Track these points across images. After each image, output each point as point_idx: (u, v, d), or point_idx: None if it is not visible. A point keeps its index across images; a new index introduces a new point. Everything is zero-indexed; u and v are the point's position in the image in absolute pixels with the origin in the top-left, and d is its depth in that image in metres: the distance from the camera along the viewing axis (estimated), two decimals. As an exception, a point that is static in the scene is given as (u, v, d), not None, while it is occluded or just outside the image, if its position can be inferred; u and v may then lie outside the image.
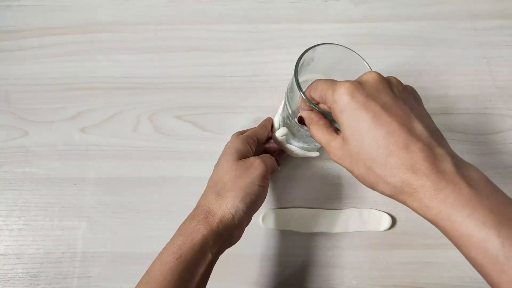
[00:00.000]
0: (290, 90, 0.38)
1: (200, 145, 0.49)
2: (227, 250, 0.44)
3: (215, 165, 0.40)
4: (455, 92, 0.49)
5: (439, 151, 0.28)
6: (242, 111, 0.49)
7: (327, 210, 0.46)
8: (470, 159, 0.47)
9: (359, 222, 0.46)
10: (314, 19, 0.51)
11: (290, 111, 0.39)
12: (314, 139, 0.34)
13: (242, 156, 0.39)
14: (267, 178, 0.38)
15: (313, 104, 0.33)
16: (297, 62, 0.35)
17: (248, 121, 0.49)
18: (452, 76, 0.49)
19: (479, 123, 0.48)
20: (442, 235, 0.46)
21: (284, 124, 0.44)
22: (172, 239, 0.35)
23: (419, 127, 0.29)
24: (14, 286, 0.46)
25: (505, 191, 0.47)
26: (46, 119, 0.50)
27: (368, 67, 0.35)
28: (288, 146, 0.45)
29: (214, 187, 0.37)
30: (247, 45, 0.51)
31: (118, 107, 0.50)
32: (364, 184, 0.31)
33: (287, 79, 0.50)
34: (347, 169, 0.31)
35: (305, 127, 0.36)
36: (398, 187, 0.29)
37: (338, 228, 0.46)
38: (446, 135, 0.47)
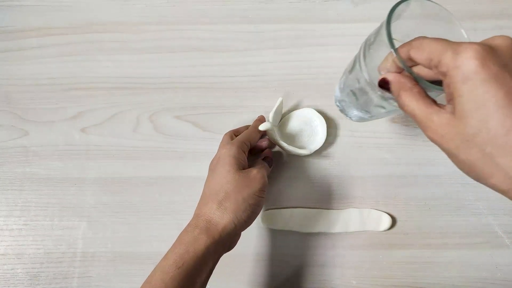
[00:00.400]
0: (369, 46, 0.31)
1: (200, 145, 0.49)
2: (227, 251, 0.45)
3: (212, 172, 0.40)
4: (455, 92, 0.49)
5: None
6: (242, 111, 0.49)
7: (327, 210, 0.46)
8: (470, 159, 0.47)
9: (359, 222, 0.46)
10: (314, 19, 0.51)
11: (364, 73, 0.32)
12: (402, 109, 0.28)
13: (240, 164, 0.39)
14: (266, 189, 0.39)
15: (406, 67, 0.27)
16: (391, 10, 0.28)
17: (248, 121, 0.49)
18: (452, 76, 0.49)
19: (479, 123, 0.48)
20: (443, 235, 0.46)
21: (346, 86, 0.37)
22: (172, 247, 0.35)
23: None
24: (14, 286, 0.46)
25: (505, 191, 0.47)
26: (46, 119, 0.50)
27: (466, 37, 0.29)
28: (281, 142, 0.45)
29: (215, 196, 0.37)
30: (247, 45, 0.51)
31: (118, 107, 0.50)
32: (469, 174, 0.25)
33: (287, 79, 0.50)
34: (447, 152, 0.26)
35: (387, 94, 0.30)
36: None
37: (338, 228, 0.46)
38: (446, 135, 0.48)
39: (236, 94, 0.50)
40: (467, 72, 0.23)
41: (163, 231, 0.47)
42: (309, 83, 0.50)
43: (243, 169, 0.39)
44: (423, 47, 0.27)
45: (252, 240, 0.47)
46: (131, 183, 0.48)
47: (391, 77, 0.28)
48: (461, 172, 0.47)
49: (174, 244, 0.35)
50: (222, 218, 0.36)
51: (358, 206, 0.47)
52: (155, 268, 0.34)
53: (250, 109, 0.49)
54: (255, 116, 0.48)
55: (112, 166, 0.48)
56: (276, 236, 0.47)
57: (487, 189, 0.47)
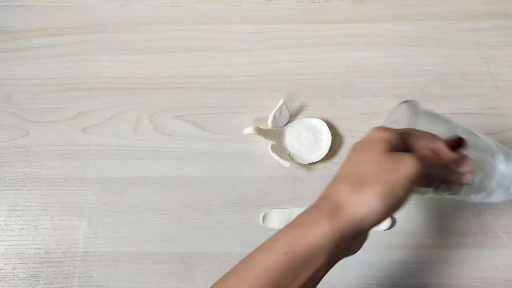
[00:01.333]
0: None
1: (200, 145, 0.49)
2: (227, 251, 0.45)
3: (354, 151, 0.32)
4: (455, 92, 0.49)
5: None
6: (242, 111, 0.49)
7: None
8: (470, 159, 0.47)
9: None
10: (314, 19, 0.51)
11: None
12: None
13: (393, 149, 0.30)
14: (419, 182, 0.29)
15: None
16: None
17: (248, 121, 0.49)
18: (452, 77, 0.49)
19: (479, 123, 0.48)
20: (442, 235, 0.46)
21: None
22: (286, 228, 0.30)
23: None
24: (14, 285, 0.46)
25: (505, 191, 0.47)
26: (46, 119, 0.50)
27: None
28: (272, 145, 0.45)
29: (349, 176, 0.30)
30: (247, 45, 0.51)
31: (118, 107, 0.50)
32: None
33: (287, 79, 0.50)
34: None
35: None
36: None
37: None
38: (447, 135, 0.47)
39: (236, 94, 0.50)
40: None
41: (163, 231, 0.47)
42: (309, 83, 0.50)
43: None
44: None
45: (252, 240, 0.47)
46: (132, 183, 0.48)
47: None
48: (461, 172, 0.47)
49: (288, 224, 0.30)
50: (353, 203, 0.28)
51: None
52: (261, 245, 0.29)
53: (250, 109, 0.49)
54: (255, 116, 0.48)
55: (112, 166, 0.48)
56: (276, 236, 0.47)
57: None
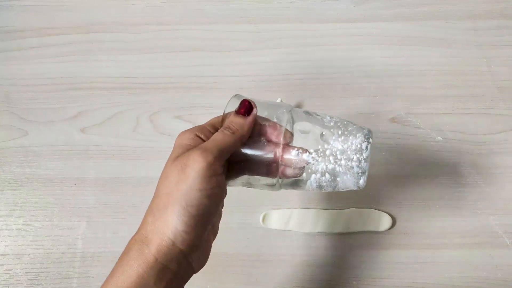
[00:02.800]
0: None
1: (200, 145, 0.48)
2: (227, 251, 0.44)
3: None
4: (455, 92, 0.49)
5: None
6: (242, 111, 0.49)
7: (327, 210, 0.46)
8: (471, 159, 0.47)
9: (359, 222, 0.46)
10: (314, 19, 0.51)
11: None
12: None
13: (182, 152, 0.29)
14: (215, 174, 0.27)
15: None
16: None
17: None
18: (452, 76, 0.49)
19: (479, 123, 0.48)
20: (443, 235, 0.46)
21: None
22: (110, 273, 0.28)
23: None
24: (14, 286, 0.46)
25: (506, 192, 0.47)
26: (46, 119, 0.50)
27: None
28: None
29: (150, 204, 0.29)
30: (247, 45, 0.51)
31: (118, 107, 0.50)
32: None
33: (287, 78, 0.50)
34: None
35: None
36: None
37: (338, 228, 0.46)
38: (447, 135, 0.48)
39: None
40: None
41: (163, 231, 0.47)
42: (309, 83, 0.50)
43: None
44: None
45: (252, 240, 0.47)
46: (131, 183, 0.48)
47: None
48: (461, 173, 0.48)
49: (112, 270, 0.28)
50: (155, 233, 0.27)
51: (358, 206, 0.47)
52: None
53: (250, 109, 0.49)
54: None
55: (112, 166, 0.48)
56: (276, 236, 0.46)
57: (488, 189, 0.48)
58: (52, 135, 0.49)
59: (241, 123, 0.30)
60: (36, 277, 0.46)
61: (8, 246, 0.47)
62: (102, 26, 0.52)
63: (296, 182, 0.33)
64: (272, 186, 0.33)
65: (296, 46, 0.50)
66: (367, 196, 0.47)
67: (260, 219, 0.46)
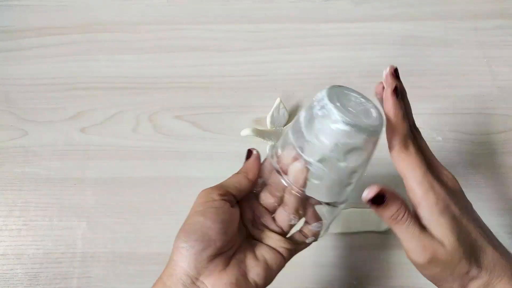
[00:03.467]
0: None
1: (200, 145, 0.49)
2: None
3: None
4: (456, 92, 0.49)
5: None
6: (242, 111, 0.49)
7: (329, 208, 0.46)
8: (472, 159, 0.47)
9: (360, 222, 0.46)
10: (314, 19, 0.51)
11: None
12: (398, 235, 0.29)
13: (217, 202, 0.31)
14: (212, 199, 0.30)
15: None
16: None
17: (248, 121, 0.49)
18: (453, 76, 0.49)
19: (480, 123, 0.48)
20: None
21: None
22: None
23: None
24: (13, 286, 0.46)
25: (506, 192, 0.47)
26: (46, 119, 0.50)
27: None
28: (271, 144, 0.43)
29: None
30: (247, 45, 0.51)
31: (118, 107, 0.50)
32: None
33: (287, 78, 0.50)
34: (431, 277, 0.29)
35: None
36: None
37: (338, 228, 0.46)
38: (447, 135, 0.48)
39: (236, 94, 0.50)
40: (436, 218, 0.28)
41: (163, 231, 0.47)
42: (309, 83, 0.49)
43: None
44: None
45: (252, 240, 0.46)
46: (131, 183, 0.48)
47: (388, 190, 0.28)
48: (461, 173, 0.47)
49: None
50: (170, 261, 0.29)
51: (358, 206, 0.47)
52: None
53: (250, 109, 0.49)
54: (255, 116, 0.48)
55: (111, 166, 0.48)
56: (276, 236, 0.46)
57: (489, 189, 0.47)
58: (52, 135, 0.49)
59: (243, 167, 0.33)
60: (36, 277, 0.46)
61: (8, 246, 0.47)
62: (102, 26, 0.52)
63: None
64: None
65: (296, 46, 0.50)
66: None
67: None
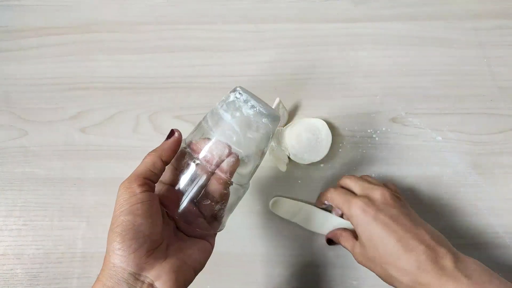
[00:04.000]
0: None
1: (200, 145, 0.48)
2: (227, 250, 0.44)
3: None
4: (456, 92, 0.49)
5: (440, 250, 0.34)
6: (242, 111, 0.49)
7: (335, 216, 0.45)
8: (472, 159, 0.47)
9: (330, 224, 0.46)
10: (314, 19, 0.51)
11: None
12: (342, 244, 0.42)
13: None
14: (134, 194, 0.30)
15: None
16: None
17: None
18: (453, 76, 0.49)
19: (480, 123, 0.48)
20: (443, 235, 0.46)
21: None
22: None
23: (421, 232, 0.35)
24: (13, 286, 0.46)
25: (506, 192, 0.47)
26: (46, 119, 0.50)
27: None
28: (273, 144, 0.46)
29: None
30: (247, 45, 0.51)
31: (118, 107, 0.50)
32: (385, 281, 0.37)
33: (287, 78, 0.50)
34: (369, 269, 0.38)
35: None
36: (410, 285, 0.34)
37: (313, 228, 0.46)
38: (447, 135, 0.48)
39: (236, 94, 0.49)
40: (356, 219, 0.38)
41: (163, 231, 0.47)
42: (309, 83, 0.49)
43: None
44: (332, 199, 0.41)
45: (253, 240, 0.46)
46: (131, 183, 0.48)
47: (333, 234, 0.44)
48: (461, 173, 0.47)
49: None
50: (104, 264, 0.30)
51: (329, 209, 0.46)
52: None
53: (250, 109, 0.49)
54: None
55: (111, 166, 0.48)
56: (276, 236, 0.46)
57: (488, 189, 0.47)
58: (51, 135, 0.49)
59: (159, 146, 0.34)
60: (36, 277, 0.46)
61: (8, 246, 0.47)
62: (101, 26, 0.52)
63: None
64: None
65: (296, 46, 0.50)
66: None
67: (270, 204, 0.46)
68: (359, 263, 0.39)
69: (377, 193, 0.38)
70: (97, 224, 0.47)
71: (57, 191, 0.48)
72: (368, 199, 0.38)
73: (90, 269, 0.46)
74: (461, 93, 0.49)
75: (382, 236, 0.35)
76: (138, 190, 0.30)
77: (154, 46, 0.51)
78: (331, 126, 0.48)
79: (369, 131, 0.48)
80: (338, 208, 0.40)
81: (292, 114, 0.49)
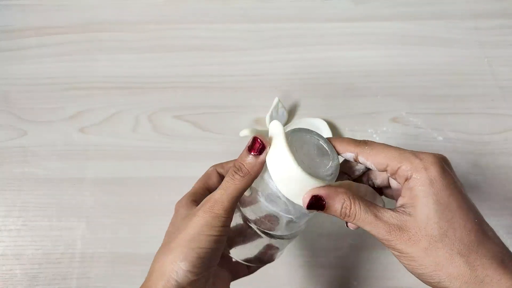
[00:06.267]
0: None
1: (200, 145, 0.48)
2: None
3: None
4: (457, 91, 0.49)
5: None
6: (242, 111, 0.49)
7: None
8: (473, 159, 0.47)
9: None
10: (314, 18, 0.51)
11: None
12: (357, 223, 0.26)
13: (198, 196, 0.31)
14: (225, 225, 0.28)
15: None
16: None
17: (248, 121, 0.48)
18: (454, 76, 0.49)
19: (481, 123, 0.48)
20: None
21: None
22: None
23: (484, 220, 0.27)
24: (13, 286, 0.46)
25: (507, 192, 0.47)
26: (45, 119, 0.50)
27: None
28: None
29: (163, 243, 0.30)
30: (247, 45, 0.51)
31: (117, 107, 0.50)
32: (430, 277, 0.25)
33: (288, 78, 0.50)
34: (409, 256, 0.25)
35: (309, 213, 0.29)
36: (480, 277, 0.24)
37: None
38: (448, 135, 0.47)
39: (236, 93, 0.49)
40: (432, 176, 0.25)
41: (163, 232, 0.46)
42: (309, 82, 0.49)
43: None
44: (377, 152, 0.27)
45: (252, 240, 0.46)
46: (130, 183, 0.48)
47: (325, 191, 0.26)
48: (462, 173, 0.47)
49: None
50: (160, 271, 0.28)
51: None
52: None
53: (250, 109, 0.49)
54: (255, 116, 0.48)
55: (111, 166, 0.48)
56: (276, 236, 0.46)
57: (489, 190, 0.47)
58: (51, 135, 0.49)
59: (252, 163, 0.28)
60: (35, 277, 0.46)
61: (7, 246, 0.47)
62: (100, 25, 0.52)
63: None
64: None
65: (296, 45, 0.50)
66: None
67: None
68: (396, 245, 0.26)
69: (437, 155, 0.27)
70: (96, 224, 0.47)
71: (56, 191, 0.48)
72: (444, 157, 0.27)
73: (90, 269, 0.46)
74: (462, 93, 0.49)
75: (463, 208, 0.25)
76: (228, 222, 0.28)
77: (154, 46, 0.51)
78: (331, 126, 0.48)
79: (369, 131, 0.48)
80: (385, 167, 0.27)
81: (292, 114, 0.49)
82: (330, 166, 0.27)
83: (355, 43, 0.50)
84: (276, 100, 0.45)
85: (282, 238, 0.31)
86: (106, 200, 0.47)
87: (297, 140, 0.27)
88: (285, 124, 0.48)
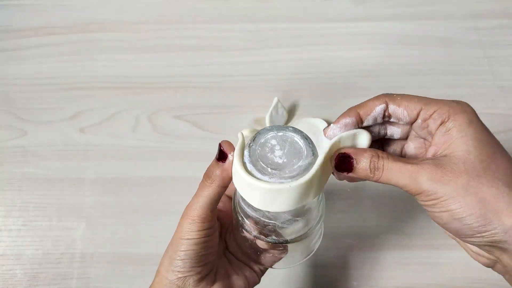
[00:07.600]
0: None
1: (200, 145, 0.48)
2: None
3: None
4: (457, 91, 0.49)
5: None
6: (242, 111, 0.49)
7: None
8: (472, 159, 0.47)
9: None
10: (314, 18, 0.51)
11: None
12: (389, 182, 0.25)
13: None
14: (196, 229, 0.29)
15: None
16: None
17: (248, 121, 0.48)
18: (453, 76, 0.49)
19: (480, 123, 0.48)
20: (444, 235, 0.46)
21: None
22: None
23: None
24: (13, 286, 0.46)
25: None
26: (44, 119, 0.50)
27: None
28: None
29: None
30: (247, 45, 0.51)
31: (117, 107, 0.50)
32: (472, 217, 0.23)
33: (287, 78, 0.50)
34: (446, 197, 0.23)
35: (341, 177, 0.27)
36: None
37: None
38: (447, 135, 0.47)
39: (236, 93, 0.49)
40: (470, 118, 0.25)
41: (163, 231, 0.46)
42: (309, 82, 0.49)
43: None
44: (410, 98, 0.27)
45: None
46: (130, 183, 0.48)
47: (351, 150, 0.26)
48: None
49: None
50: (158, 274, 0.30)
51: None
52: None
53: (250, 109, 0.49)
54: (255, 116, 0.48)
55: (111, 166, 0.48)
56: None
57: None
58: (50, 135, 0.49)
59: (216, 171, 0.28)
60: (35, 277, 0.46)
61: (7, 246, 0.47)
62: (100, 25, 0.52)
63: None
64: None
65: (296, 45, 0.50)
66: (367, 196, 0.46)
67: None
68: (431, 190, 0.23)
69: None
70: (96, 224, 0.47)
71: (56, 191, 0.48)
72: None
73: (90, 269, 0.46)
74: (462, 93, 0.49)
75: (502, 148, 0.25)
76: (206, 225, 0.29)
77: (153, 46, 0.51)
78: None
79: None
80: (417, 113, 0.26)
81: (291, 114, 0.49)
82: (298, 166, 0.25)
83: (355, 43, 0.50)
84: (275, 100, 0.45)
85: (288, 242, 0.31)
86: (106, 200, 0.47)
87: (263, 142, 0.27)
88: (284, 124, 0.48)
